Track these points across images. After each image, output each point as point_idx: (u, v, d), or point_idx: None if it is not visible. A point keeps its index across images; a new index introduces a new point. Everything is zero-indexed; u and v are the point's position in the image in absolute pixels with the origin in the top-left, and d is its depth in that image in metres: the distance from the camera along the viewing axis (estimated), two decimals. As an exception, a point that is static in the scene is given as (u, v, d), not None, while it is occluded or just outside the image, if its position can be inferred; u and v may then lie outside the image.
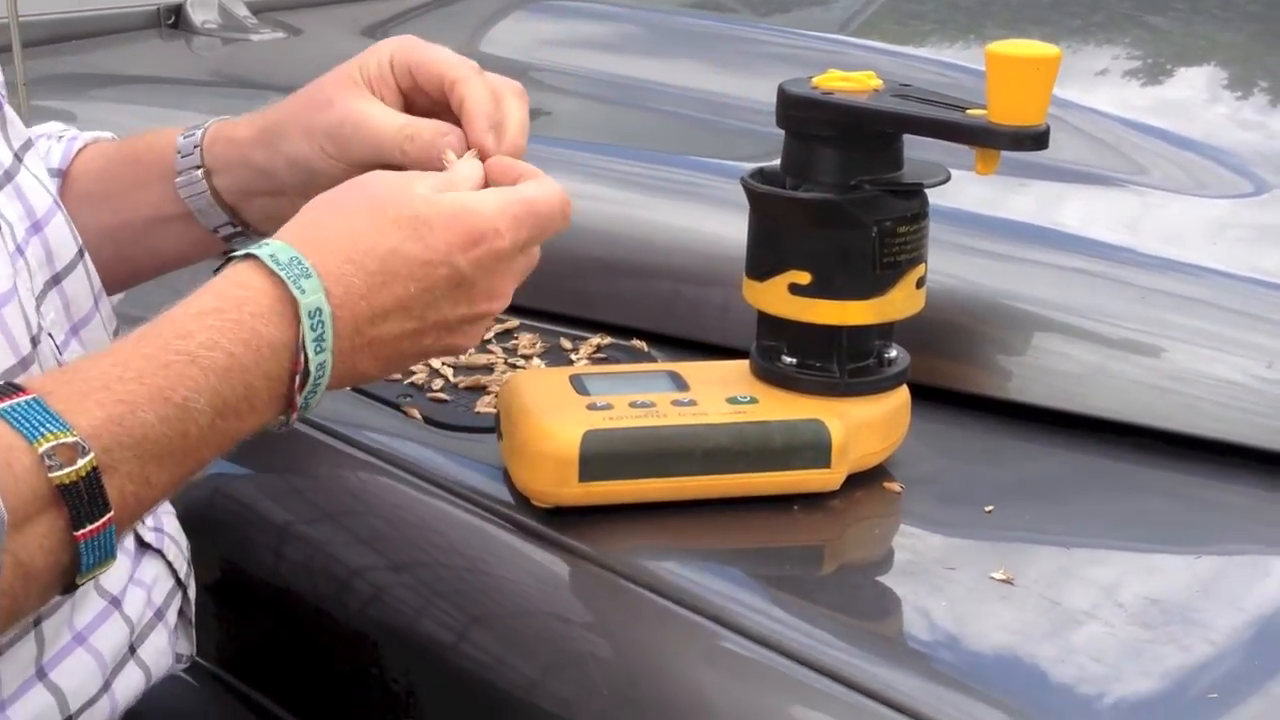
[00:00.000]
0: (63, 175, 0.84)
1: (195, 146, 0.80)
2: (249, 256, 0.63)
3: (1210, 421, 0.84)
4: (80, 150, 0.85)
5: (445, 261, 0.66)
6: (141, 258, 0.83)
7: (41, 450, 0.55)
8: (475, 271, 0.67)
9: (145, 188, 0.81)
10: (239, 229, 0.81)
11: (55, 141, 0.85)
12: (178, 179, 0.80)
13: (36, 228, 0.72)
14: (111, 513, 0.57)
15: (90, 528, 0.57)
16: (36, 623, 0.67)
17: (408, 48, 0.76)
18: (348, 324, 0.64)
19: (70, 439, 0.56)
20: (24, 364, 0.65)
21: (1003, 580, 0.72)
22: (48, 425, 0.56)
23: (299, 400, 0.63)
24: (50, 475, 0.55)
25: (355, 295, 0.64)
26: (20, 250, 0.70)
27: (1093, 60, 1.43)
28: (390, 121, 0.74)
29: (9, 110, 0.75)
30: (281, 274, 0.62)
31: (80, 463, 0.56)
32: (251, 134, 0.79)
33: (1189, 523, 0.80)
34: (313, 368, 0.63)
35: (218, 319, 0.61)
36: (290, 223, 0.66)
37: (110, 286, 0.83)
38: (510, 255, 0.68)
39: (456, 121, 0.74)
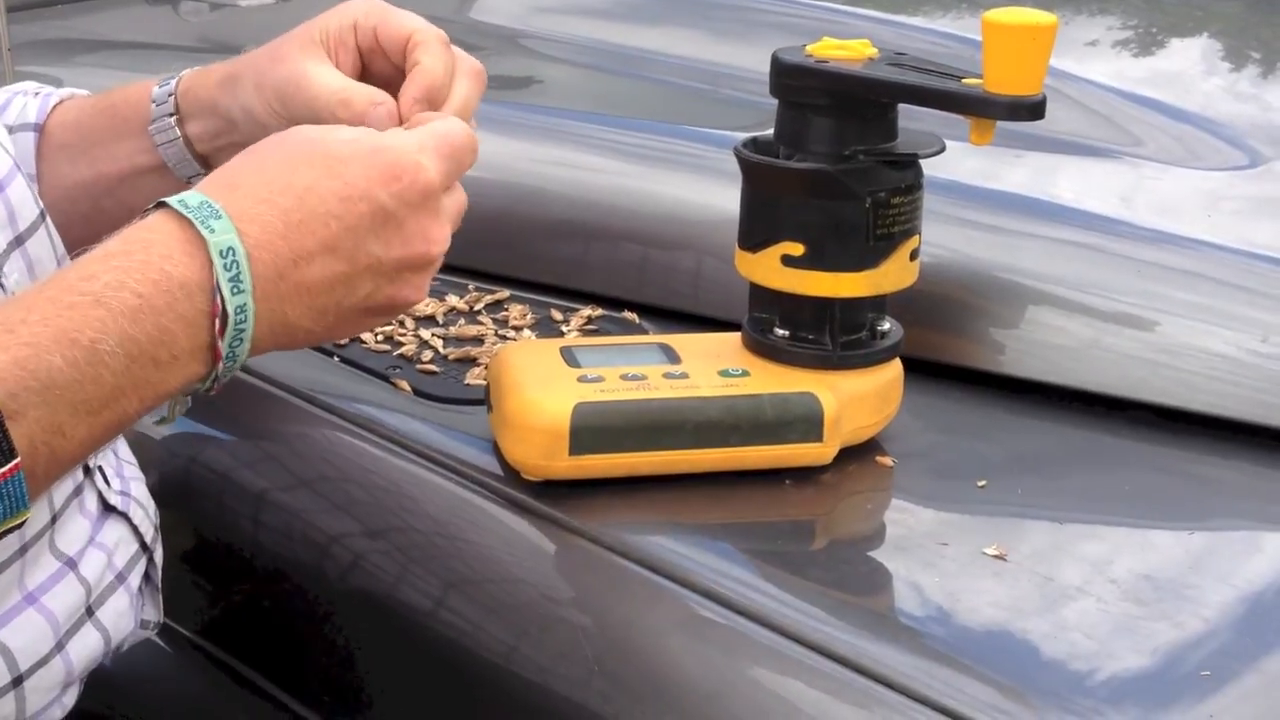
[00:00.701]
0: (39, 130, 0.83)
1: (170, 95, 0.79)
2: (160, 205, 0.62)
3: (1204, 396, 0.83)
4: (56, 105, 0.84)
5: (365, 196, 0.64)
6: (116, 211, 0.82)
7: None
8: (401, 208, 0.65)
9: (121, 139, 0.81)
10: None
11: (31, 97, 0.84)
12: (151, 126, 0.79)
13: None
14: (18, 459, 0.55)
15: None
16: None
17: (375, 9, 0.75)
18: (268, 265, 0.62)
19: None
20: None
21: (995, 556, 0.72)
22: None
23: (222, 347, 0.61)
24: None
25: (273, 234, 0.62)
26: None
27: (1087, 31, 1.41)
28: (328, 83, 0.73)
29: None
30: (190, 215, 0.60)
31: None
32: (219, 78, 0.78)
33: (1182, 498, 0.79)
34: (230, 309, 0.60)
35: (124, 260, 0.59)
36: (208, 175, 0.65)
37: (85, 242, 0.81)
38: (437, 190, 0.66)
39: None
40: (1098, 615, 0.68)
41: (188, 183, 0.80)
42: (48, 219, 0.75)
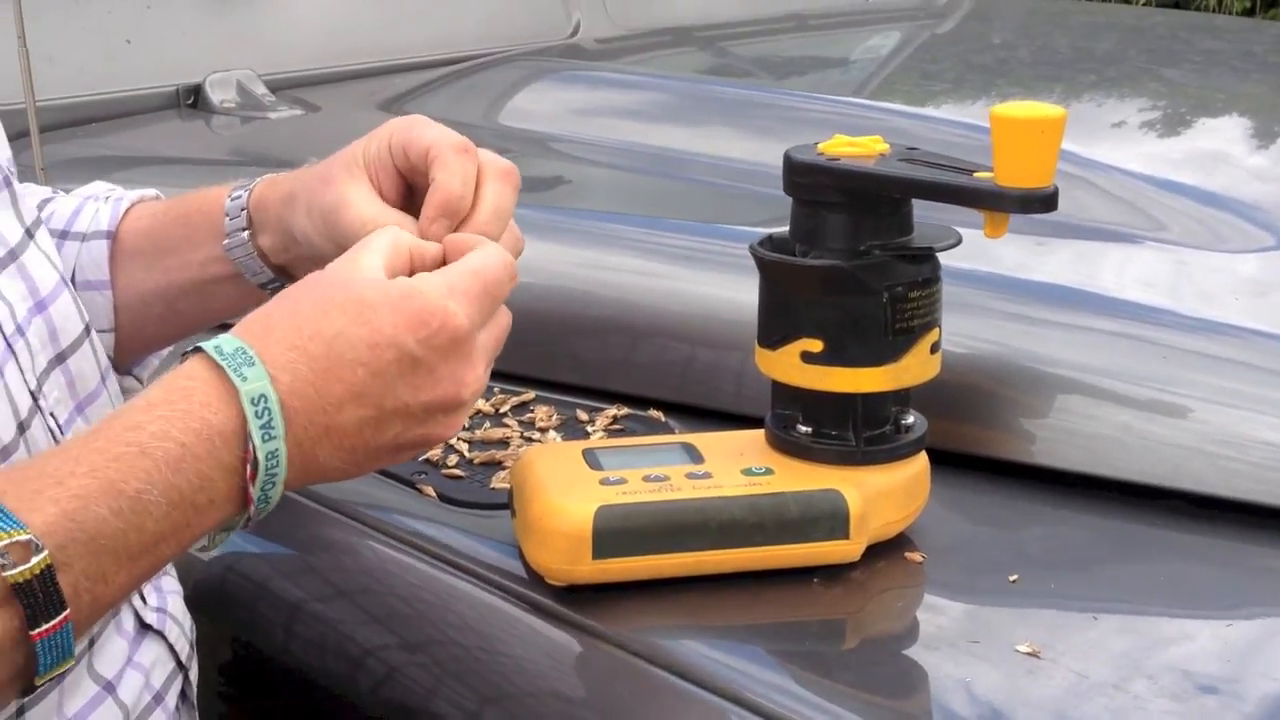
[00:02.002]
0: (112, 236, 0.84)
1: (242, 209, 0.80)
2: (197, 350, 0.63)
3: (1239, 482, 0.82)
4: (128, 210, 0.85)
5: (392, 344, 0.64)
6: (194, 313, 0.84)
7: None
8: (430, 354, 0.65)
9: (196, 248, 0.82)
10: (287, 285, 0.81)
11: (102, 203, 0.86)
12: (225, 240, 0.80)
13: (40, 307, 0.72)
14: (68, 610, 0.56)
15: (46, 627, 0.56)
16: (21, 712, 0.66)
17: (405, 127, 0.75)
18: (299, 412, 0.62)
19: (23, 537, 0.55)
20: (4, 452, 0.65)
21: (1029, 654, 0.70)
22: (1, 524, 0.55)
23: (253, 492, 0.62)
24: (3, 574, 0.55)
25: (303, 382, 0.63)
26: (21, 330, 0.70)
27: (1109, 115, 1.41)
28: (363, 212, 0.73)
29: (19, 187, 0.75)
30: (224, 364, 0.61)
31: (34, 560, 0.55)
32: (283, 195, 0.79)
33: (1219, 588, 0.77)
34: (261, 456, 0.61)
35: (167, 410, 0.60)
36: (246, 317, 0.66)
37: (158, 342, 0.83)
38: (468, 336, 0.66)
39: None
40: (1135, 713, 0.66)
41: (263, 289, 0.81)
42: (93, 333, 0.76)
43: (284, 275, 0.80)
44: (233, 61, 1.63)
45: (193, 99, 1.62)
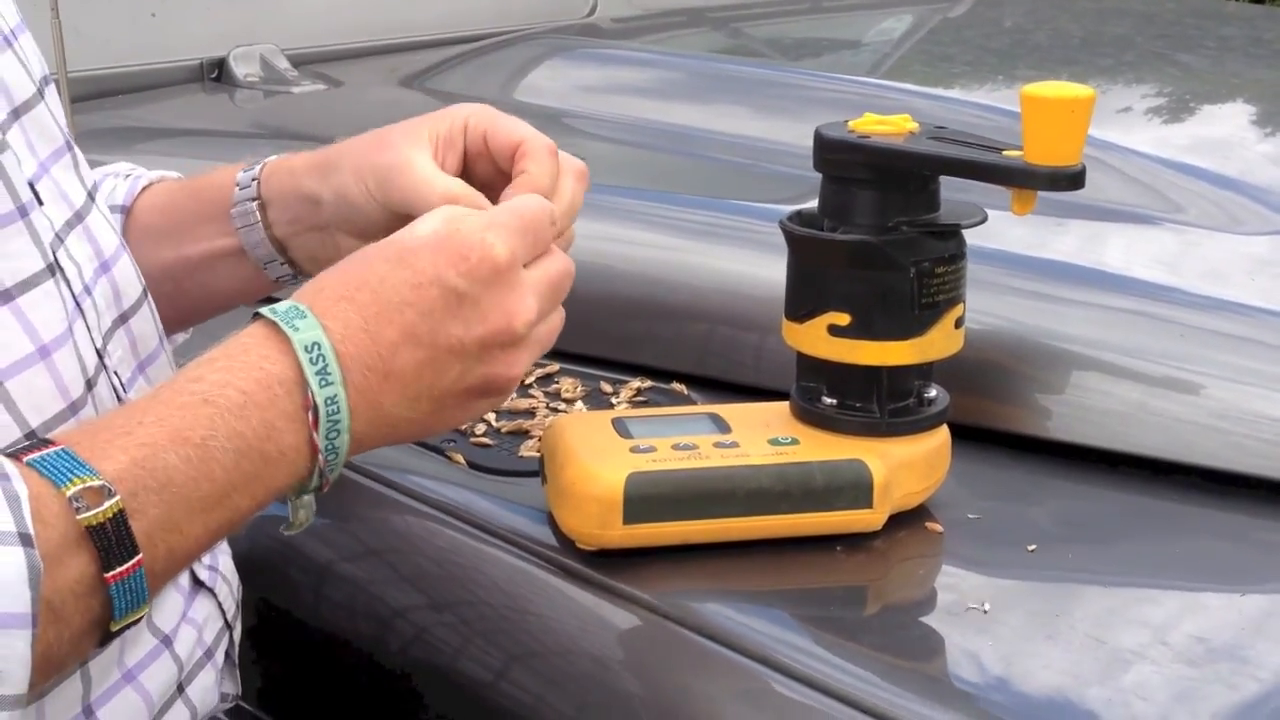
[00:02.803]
0: (126, 212, 0.85)
1: (253, 179, 0.81)
2: (256, 316, 0.65)
3: (1252, 458, 0.83)
4: (145, 188, 0.87)
5: (436, 280, 0.65)
6: (197, 294, 0.85)
7: (70, 494, 0.56)
8: (474, 286, 0.66)
9: (204, 222, 0.83)
10: (286, 268, 0.83)
11: (121, 179, 0.87)
12: (233, 209, 0.81)
13: (105, 267, 0.74)
14: (140, 555, 0.58)
15: (120, 569, 0.57)
16: (83, 662, 0.68)
17: (485, 114, 0.77)
18: (354, 359, 0.64)
19: (96, 482, 0.57)
20: (73, 408, 0.66)
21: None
22: (75, 471, 0.57)
23: (318, 439, 0.62)
24: (78, 518, 0.56)
25: (354, 328, 0.64)
26: (89, 290, 0.71)
27: (1125, 99, 1.43)
28: (434, 175, 0.74)
29: (79, 151, 0.77)
30: (276, 319, 0.63)
31: (106, 504, 0.57)
32: (307, 163, 0.80)
33: (1235, 561, 0.79)
34: (320, 401, 0.62)
35: (226, 362, 0.62)
36: (300, 288, 0.67)
37: (169, 325, 0.84)
38: (510, 265, 0.67)
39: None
40: (1153, 679, 0.68)
41: (263, 268, 0.83)
42: (149, 296, 0.77)
43: (284, 254, 0.82)
44: (256, 36, 1.65)
45: (216, 73, 1.63)
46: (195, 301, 0.86)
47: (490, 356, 0.67)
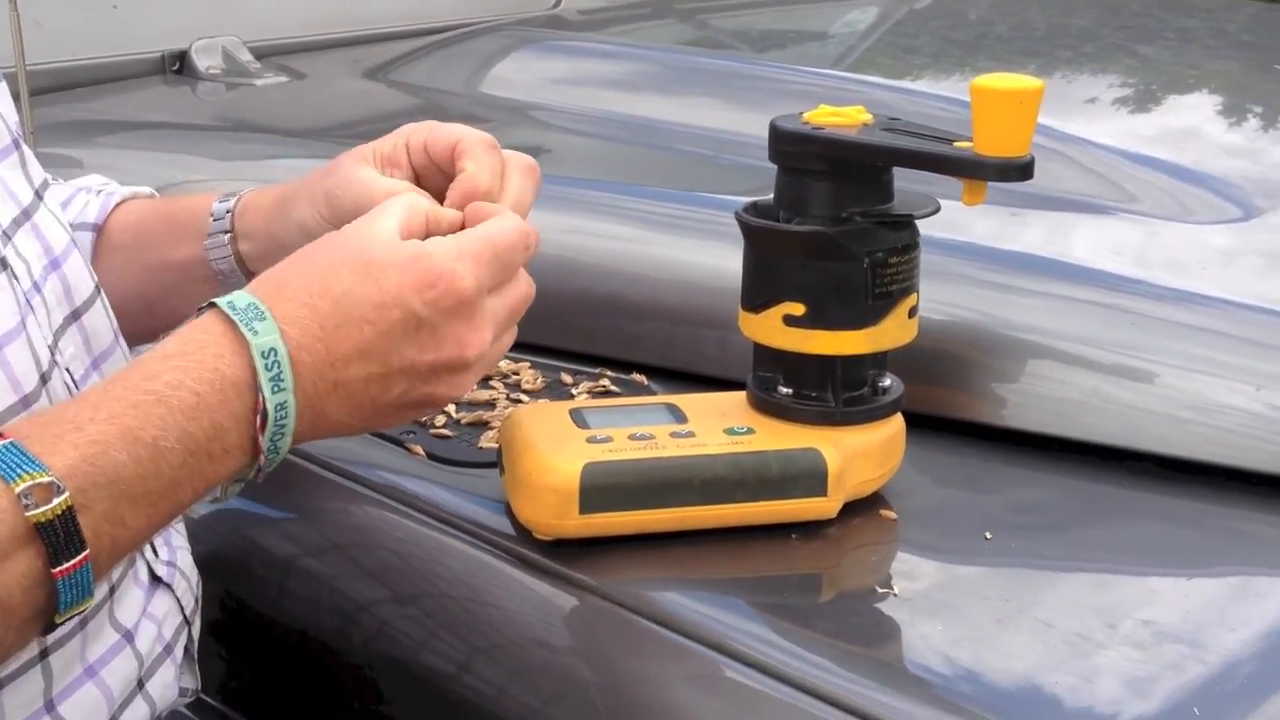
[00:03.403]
0: (98, 229, 0.86)
1: (228, 212, 0.82)
2: (211, 305, 0.65)
3: (1203, 445, 0.84)
4: (117, 205, 0.87)
5: (399, 303, 0.66)
6: (167, 315, 0.85)
7: (19, 490, 0.57)
8: (435, 315, 0.66)
9: (177, 245, 0.84)
10: None
11: (94, 195, 0.87)
12: (206, 241, 0.82)
13: (55, 264, 0.74)
14: (87, 550, 0.59)
15: (67, 565, 0.58)
16: (44, 655, 0.68)
17: (426, 125, 0.78)
18: (308, 366, 0.64)
19: (46, 479, 0.57)
20: (25, 402, 0.66)
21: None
22: (24, 467, 0.57)
23: (263, 442, 0.64)
24: (27, 514, 0.57)
25: (311, 337, 0.65)
26: (37, 287, 0.71)
27: (1084, 90, 1.44)
28: (376, 179, 0.75)
29: (27, 149, 0.77)
30: (235, 318, 0.64)
31: (55, 501, 0.57)
32: (271, 202, 0.81)
33: (1186, 547, 0.80)
34: (271, 407, 0.63)
35: (182, 360, 0.63)
36: (260, 275, 0.68)
37: (138, 339, 0.84)
38: (474, 297, 0.67)
39: None
40: (1102, 664, 0.69)
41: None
42: (102, 293, 0.77)
43: (251, 279, 0.82)
44: (218, 28, 1.64)
45: (178, 65, 1.63)
46: (165, 320, 0.86)
47: (437, 379, 0.68)
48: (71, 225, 0.84)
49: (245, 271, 0.82)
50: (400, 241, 0.68)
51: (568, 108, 1.46)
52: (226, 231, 0.82)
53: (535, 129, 1.44)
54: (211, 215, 0.82)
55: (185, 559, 0.82)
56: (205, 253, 0.82)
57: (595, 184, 1.19)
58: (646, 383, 0.99)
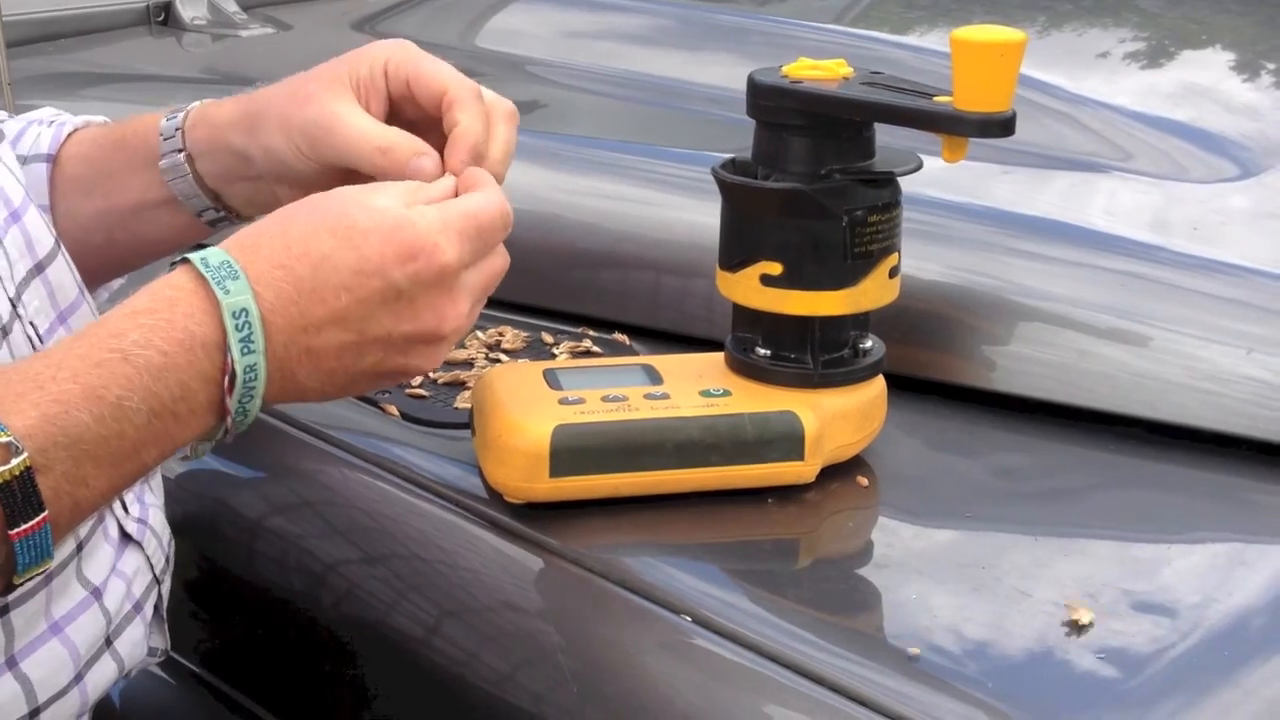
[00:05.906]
0: (52, 160, 0.83)
1: (177, 129, 0.79)
2: (184, 260, 0.63)
3: (1191, 409, 0.83)
4: (70, 135, 0.84)
5: (379, 273, 0.65)
6: (129, 243, 0.83)
7: None
8: (414, 287, 0.65)
9: (132, 172, 0.81)
10: (223, 214, 0.81)
11: (45, 127, 0.85)
12: (161, 162, 0.79)
13: (15, 217, 0.72)
14: (46, 512, 0.57)
15: (24, 527, 0.57)
16: (4, 611, 0.67)
17: (407, 56, 0.74)
18: (280, 329, 0.63)
19: (4, 439, 0.56)
20: None
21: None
22: None
23: (230, 404, 0.62)
24: None
25: (286, 300, 0.63)
26: None
27: (1080, 45, 1.41)
28: (365, 129, 0.73)
29: None
30: (208, 276, 0.62)
31: (14, 462, 0.56)
32: (232, 117, 0.78)
33: (1171, 513, 0.79)
34: (240, 369, 0.62)
35: (150, 318, 0.61)
36: (237, 232, 0.66)
37: (101, 274, 0.82)
38: (455, 271, 0.66)
39: (441, 137, 0.73)
40: (1081, 631, 0.67)
41: (198, 216, 0.81)
42: (63, 247, 0.76)
43: (219, 202, 0.80)
44: (204, -22, 1.62)
45: (163, 16, 1.61)
46: (128, 251, 0.84)
47: (412, 350, 0.67)
48: (25, 158, 0.82)
49: (207, 191, 0.79)
50: (382, 208, 0.66)
51: (560, 62, 1.44)
52: (179, 150, 0.79)
53: (528, 83, 1.42)
54: (161, 135, 0.79)
55: (157, 517, 0.81)
56: (162, 174, 0.79)
57: (585, 140, 1.17)
58: (629, 343, 0.97)
